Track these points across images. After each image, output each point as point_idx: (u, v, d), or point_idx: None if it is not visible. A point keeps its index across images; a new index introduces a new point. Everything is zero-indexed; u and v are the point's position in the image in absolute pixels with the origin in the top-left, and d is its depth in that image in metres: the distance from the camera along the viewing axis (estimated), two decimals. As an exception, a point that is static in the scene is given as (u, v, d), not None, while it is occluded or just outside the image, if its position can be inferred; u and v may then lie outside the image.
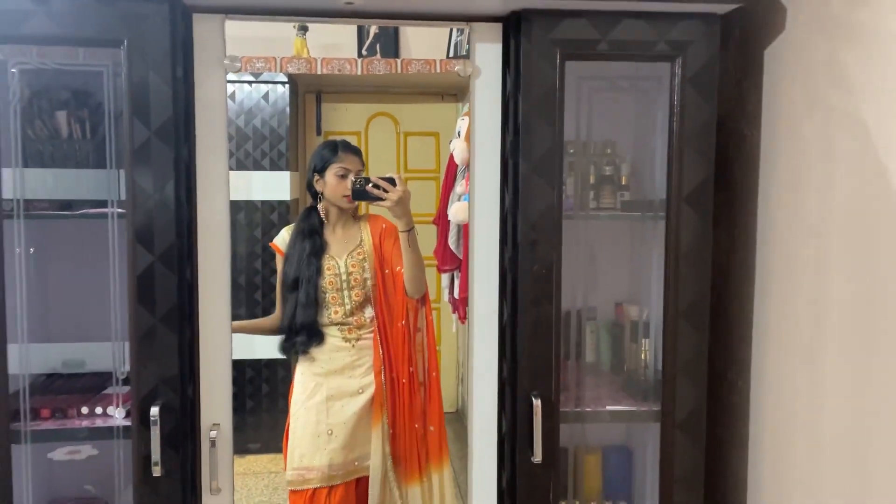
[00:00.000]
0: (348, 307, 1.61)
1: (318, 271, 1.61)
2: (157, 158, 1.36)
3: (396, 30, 1.56)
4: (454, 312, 1.71)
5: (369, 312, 1.62)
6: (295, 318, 1.61)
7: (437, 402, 1.65)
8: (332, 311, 1.62)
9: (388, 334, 1.63)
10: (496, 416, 1.56)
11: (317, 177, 1.61)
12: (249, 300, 1.61)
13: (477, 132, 1.52)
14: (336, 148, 1.61)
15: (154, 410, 1.36)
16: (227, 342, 1.49)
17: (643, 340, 1.69)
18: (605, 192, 1.72)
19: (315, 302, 1.61)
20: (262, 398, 1.68)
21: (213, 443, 1.45)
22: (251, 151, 1.60)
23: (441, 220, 1.69)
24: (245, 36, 1.44)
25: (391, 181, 1.54)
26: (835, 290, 1.31)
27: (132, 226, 1.36)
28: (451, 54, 1.56)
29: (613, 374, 1.77)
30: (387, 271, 1.63)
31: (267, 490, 1.62)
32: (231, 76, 1.48)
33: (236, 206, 1.53)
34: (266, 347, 1.63)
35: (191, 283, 1.45)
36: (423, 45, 1.56)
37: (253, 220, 1.60)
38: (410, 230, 1.59)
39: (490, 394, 1.56)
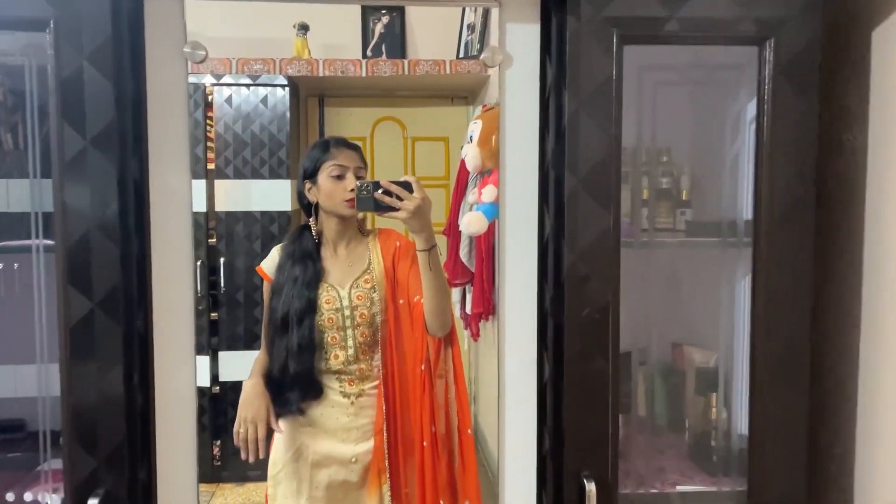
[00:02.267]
0: (351, 351, 1.31)
1: (314, 306, 1.29)
2: (96, 174, 1.06)
3: (403, 29, 1.46)
4: (466, 329, 1.52)
5: (376, 360, 1.31)
6: (286, 367, 1.30)
7: (473, 471, 1.33)
8: (332, 356, 1.30)
9: (397, 384, 1.31)
10: (535, 501, 1.24)
11: (308, 184, 1.33)
12: (248, 318, 1.45)
13: (507, 137, 1.22)
14: (327, 145, 1.34)
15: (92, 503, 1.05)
16: (192, 408, 1.19)
17: (712, 395, 1.37)
18: (662, 210, 1.42)
19: (310, 346, 1.30)
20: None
21: (173, 539, 1.14)
22: (249, 159, 1.48)
23: (452, 231, 1.52)
24: (241, 37, 1.34)
25: (406, 186, 1.23)
26: None
27: (62, 263, 1.05)
28: (461, 55, 1.46)
29: (672, 432, 1.45)
30: (401, 302, 1.32)
31: (267, 521, 1.38)
32: (228, 78, 1.38)
33: (234, 218, 1.44)
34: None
35: (143, 335, 1.14)
36: (430, 45, 1.48)
37: (252, 233, 1.47)
38: (432, 248, 1.28)
39: (528, 474, 1.25)
